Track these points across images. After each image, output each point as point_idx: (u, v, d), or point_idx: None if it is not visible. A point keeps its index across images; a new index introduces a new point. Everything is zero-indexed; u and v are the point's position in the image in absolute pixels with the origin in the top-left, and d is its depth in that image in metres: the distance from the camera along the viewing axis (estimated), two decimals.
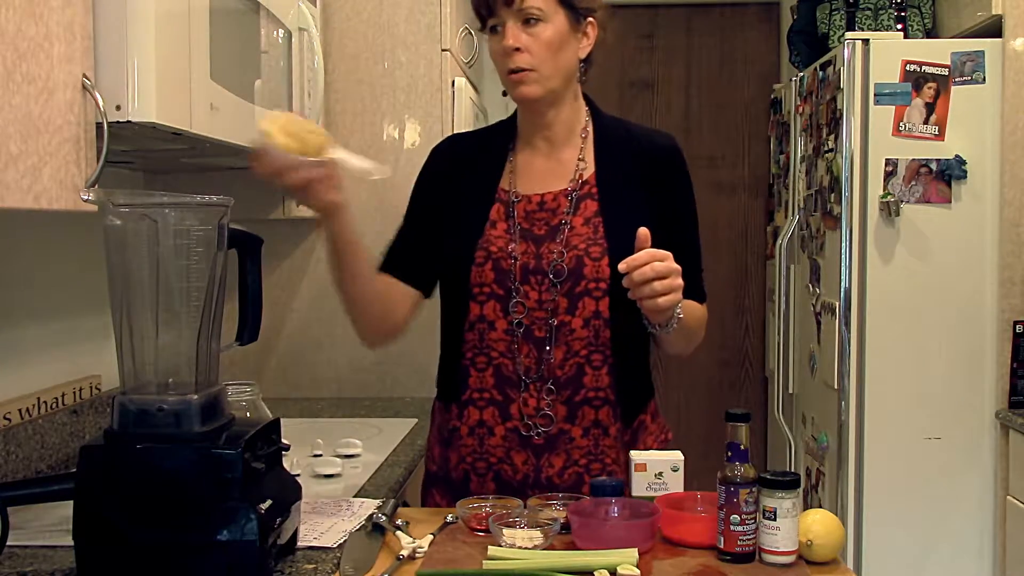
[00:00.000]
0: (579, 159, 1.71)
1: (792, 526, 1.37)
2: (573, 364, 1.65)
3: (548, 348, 1.65)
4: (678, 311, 1.55)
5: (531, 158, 1.73)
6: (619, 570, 1.32)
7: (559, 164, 1.71)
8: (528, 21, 1.59)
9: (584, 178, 1.70)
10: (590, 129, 1.73)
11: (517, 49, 1.60)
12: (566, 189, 1.69)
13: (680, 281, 1.49)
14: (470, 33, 3.05)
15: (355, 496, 1.71)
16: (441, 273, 1.73)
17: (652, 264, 1.45)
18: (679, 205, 1.73)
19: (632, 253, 1.59)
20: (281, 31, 2.04)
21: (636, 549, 1.37)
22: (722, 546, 1.39)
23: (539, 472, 1.65)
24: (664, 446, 1.75)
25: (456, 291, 1.70)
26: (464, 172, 1.74)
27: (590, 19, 1.66)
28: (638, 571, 1.32)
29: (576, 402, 1.66)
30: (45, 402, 1.89)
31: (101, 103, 1.37)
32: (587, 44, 1.67)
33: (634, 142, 1.73)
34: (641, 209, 1.68)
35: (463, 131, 1.91)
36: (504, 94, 1.74)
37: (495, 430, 1.67)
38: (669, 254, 1.48)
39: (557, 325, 1.64)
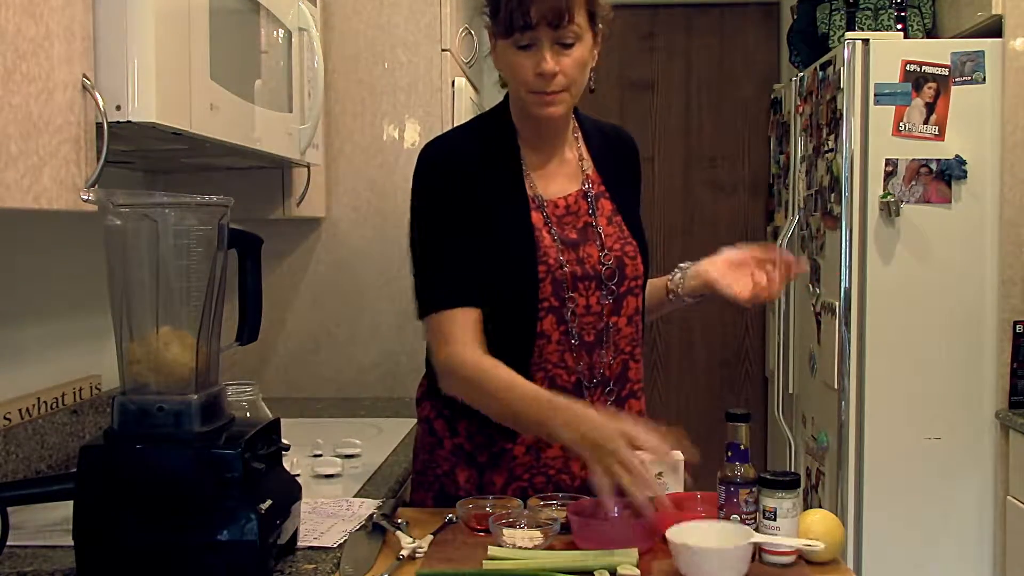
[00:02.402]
0: (580, 159, 1.71)
1: (792, 526, 1.37)
2: (620, 362, 1.67)
3: (602, 351, 1.64)
4: None
5: (540, 160, 1.68)
6: (619, 570, 1.32)
7: (565, 164, 1.70)
8: (564, 43, 1.54)
9: (590, 176, 1.70)
10: (578, 128, 1.73)
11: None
12: (581, 189, 1.68)
13: None
14: (470, 33, 3.05)
15: (355, 496, 1.71)
16: (495, 292, 1.59)
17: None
18: (639, 194, 1.80)
19: (647, 246, 1.71)
20: (281, 31, 2.04)
21: (636, 549, 1.36)
22: None
23: (550, 482, 1.64)
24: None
25: (517, 310, 1.59)
26: (485, 180, 1.61)
27: (600, 26, 1.62)
28: (638, 571, 1.32)
29: (623, 397, 1.67)
30: (45, 402, 1.88)
31: (101, 103, 1.37)
32: (598, 53, 1.63)
33: (608, 137, 1.76)
34: (634, 201, 1.74)
35: (444, 133, 1.76)
36: (503, 86, 1.73)
37: (552, 442, 1.61)
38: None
39: (604, 327, 1.64)
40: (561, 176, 1.69)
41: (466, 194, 1.59)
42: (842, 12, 3.30)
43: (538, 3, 1.51)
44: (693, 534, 1.32)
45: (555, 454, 1.63)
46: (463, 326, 1.56)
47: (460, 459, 1.66)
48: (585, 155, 1.71)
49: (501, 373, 1.53)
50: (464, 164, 1.62)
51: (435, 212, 1.61)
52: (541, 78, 1.54)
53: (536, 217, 1.63)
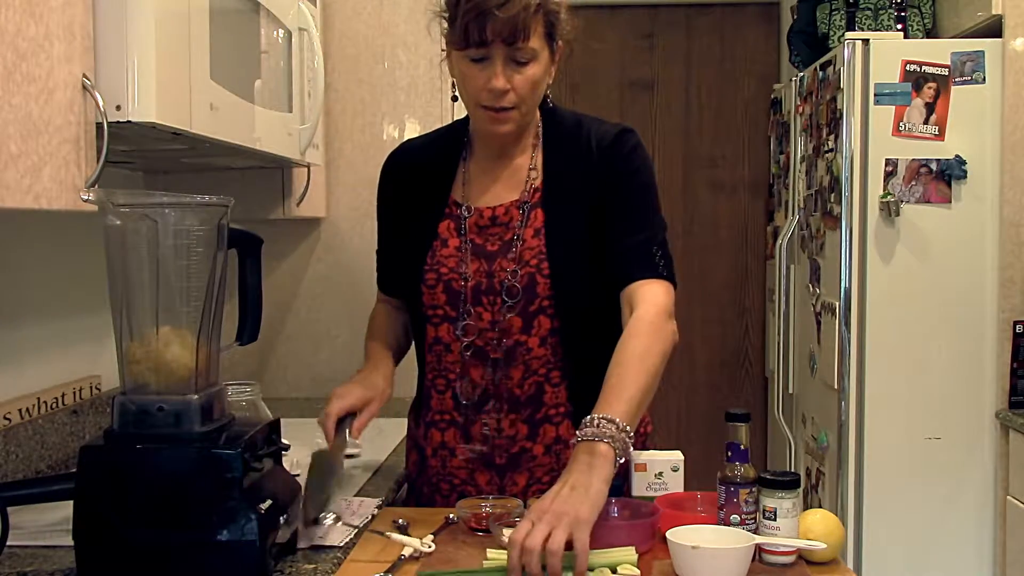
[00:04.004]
0: (530, 168, 1.65)
1: (792, 526, 1.37)
2: (532, 383, 1.62)
3: (504, 369, 1.61)
4: (625, 431, 1.39)
5: (485, 166, 1.67)
6: (620, 569, 1.32)
7: (513, 172, 1.65)
8: (519, 61, 1.52)
9: (535, 186, 1.64)
10: (540, 134, 1.67)
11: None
12: (517, 200, 1.64)
13: (563, 535, 1.27)
14: None
15: (355, 496, 1.71)
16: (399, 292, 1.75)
17: (529, 554, 1.26)
18: (625, 187, 1.61)
19: (572, 266, 1.59)
20: (281, 31, 2.04)
21: (634, 548, 1.36)
22: None
23: (503, 491, 1.64)
24: (643, 439, 1.73)
25: (414, 314, 1.69)
26: (415, 184, 1.70)
27: (559, 42, 1.59)
28: (638, 571, 1.32)
29: (537, 420, 1.63)
30: (45, 402, 1.88)
31: (101, 103, 1.37)
32: (555, 68, 1.60)
33: (583, 137, 1.64)
34: (582, 213, 1.60)
35: (415, 137, 1.84)
36: (454, 99, 1.63)
37: (457, 451, 1.66)
38: (536, 541, 1.26)
39: (512, 345, 1.60)
40: (504, 185, 1.65)
41: (396, 199, 1.73)
42: (842, 12, 3.30)
43: (494, 21, 1.47)
44: (693, 535, 1.32)
45: (459, 464, 1.66)
46: (386, 301, 1.84)
47: (413, 446, 1.77)
48: (538, 164, 1.65)
49: (376, 319, 1.82)
50: (403, 171, 1.74)
51: (378, 212, 1.79)
52: (491, 94, 1.53)
53: (447, 225, 1.64)
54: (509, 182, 1.65)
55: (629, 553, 1.35)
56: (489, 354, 1.61)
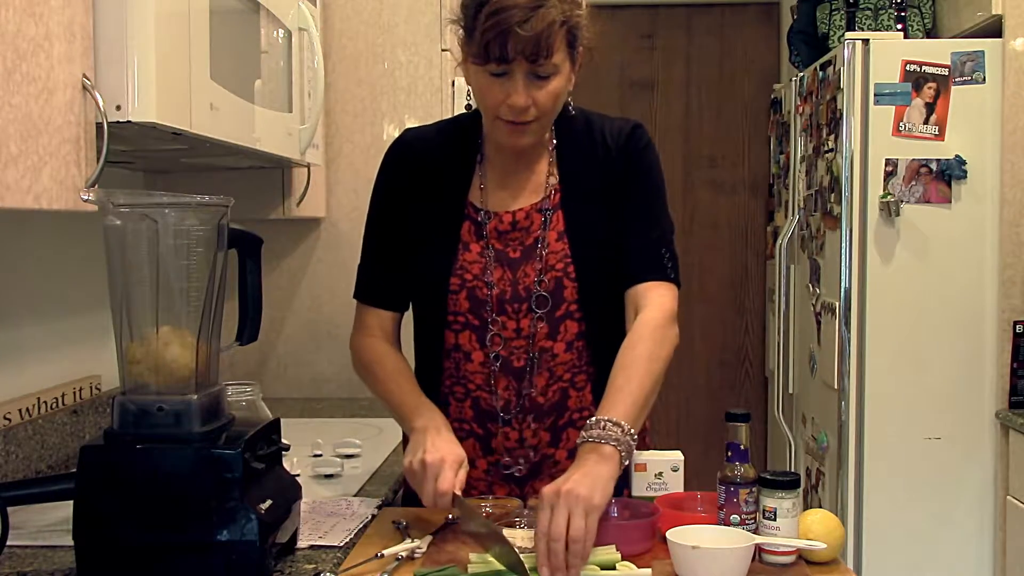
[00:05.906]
0: (548, 173, 1.62)
1: (792, 526, 1.37)
2: (556, 389, 1.60)
3: (528, 378, 1.58)
4: (630, 434, 1.40)
5: (502, 171, 1.62)
6: (619, 567, 1.32)
7: (531, 175, 1.62)
8: (540, 76, 1.46)
9: (554, 189, 1.61)
10: (554, 136, 1.64)
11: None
12: (537, 203, 1.60)
13: (582, 521, 1.28)
14: None
15: (355, 496, 1.71)
16: (415, 296, 1.65)
17: (556, 542, 1.28)
18: (638, 185, 1.61)
19: (598, 267, 1.57)
20: (281, 31, 2.04)
21: (614, 545, 1.36)
22: None
23: (523, 500, 1.62)
24: (643, 436, 1.73)
25: (431, 318, 1.62)
26: (428, 179, 1.62)
27: (580, 49, 1.53)
28: (636, 567, 1.32)
29: (560, 426, 1.61)
30: (45, 402, 1.88)
31: (101, 103, 1.37)
32: (575, 75, 1.55)
33: (596, 136, 1.62)
34: (602, 212, 1.60)
35: (420, 126, 1.75)
36: (468, 107, 1.60)
37: (476, 463, 1.62)
38: (560, 527, 1.28)
39: (538, 352, 1.58)
40: (522, 188, 1.61)
41: (407, 193, 1.63)
42: (842, 12, 3.30)
43: (516, 38, 1.41)
44: (693, 535, 1.32)
45: (478, 476, 1.64)
46: (373, 319, 1.66)
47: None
48: (555, 166, 1.62)
49: (389, 363, 1.63)
50: (415, 161, 1.64)
51: (376, 204, 1.66)
52: (511, 109, 1.48)
53: (467, 228, 1.60)
54: (527, 186, 1.62)
55: (611, 552, 1.35)
56: (513, 363, 1.58)
